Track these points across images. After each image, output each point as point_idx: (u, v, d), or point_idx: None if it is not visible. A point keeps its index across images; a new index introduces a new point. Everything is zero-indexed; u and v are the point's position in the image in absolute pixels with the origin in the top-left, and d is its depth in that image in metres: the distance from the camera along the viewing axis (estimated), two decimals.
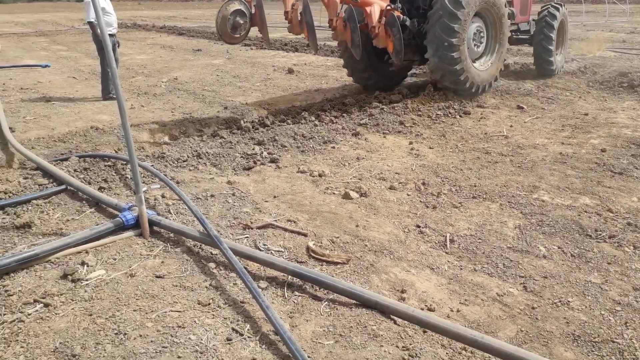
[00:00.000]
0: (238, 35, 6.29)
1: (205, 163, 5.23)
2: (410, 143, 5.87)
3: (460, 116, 7.02)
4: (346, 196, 4.25)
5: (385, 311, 2.61)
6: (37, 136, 6.36)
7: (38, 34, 21.81)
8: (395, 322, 2.61)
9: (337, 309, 2.67)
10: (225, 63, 12.96)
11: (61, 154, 5.71)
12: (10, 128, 6.43)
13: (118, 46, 8.90)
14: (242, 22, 6.12)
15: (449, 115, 7.04)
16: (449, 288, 3.01)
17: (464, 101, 7.65)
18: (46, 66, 12.25)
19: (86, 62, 13.20)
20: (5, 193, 4.22)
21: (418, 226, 3.77)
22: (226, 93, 9.38)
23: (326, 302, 2.74)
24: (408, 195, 4.34)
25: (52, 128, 6.76)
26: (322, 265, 3.18)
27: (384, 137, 6.13)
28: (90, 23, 8.40)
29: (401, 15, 7.27)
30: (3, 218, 3.80)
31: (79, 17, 32.83)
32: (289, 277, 2.96)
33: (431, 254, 3.39)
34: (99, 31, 8.28)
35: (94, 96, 8.89)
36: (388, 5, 7.06)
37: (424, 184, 4.57)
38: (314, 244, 3.42)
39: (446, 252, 3.44)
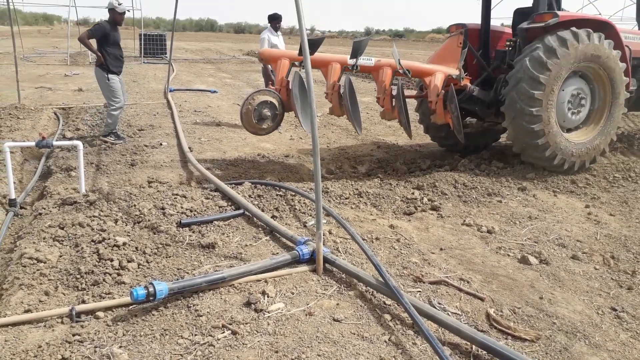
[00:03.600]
0: (266, 127, 5.89)
1: (365, 202, 5.23)
2: (587, 207, 5.32)
3: None
4: (524, 260, 3.92)
5: None
6: (212, 157, 6.93)
7: (205, 61, 24.28)
8: None
9: None
10: (374, 101, 13.16)
11: (233, 177, 6.14)
12: (189, 148, 7.11)
13: None
14: (270, 114, 5.72)
15: (629, 179, 6.29)
16: None
17: None
18: (214, 92, 13.52)
19: (247, 91, 14.30)
20: (191, 211, 4.59)
21: (614, 309, 3.32)
22: (377, 131, 9.48)
23: None
24: (596, 269, 3.88)
25: (223, 151, 7.32)
26: (506, 338, 2.92)
27: (555, 196, 5.65)
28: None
29: (469, 84, 6.38)
30: (190, 235, 4.11)
31: (239, 48, 36.07)
32: (474, 347, 2.74)
33: (635, 347, 2.94)
34: (269, 67, 8.95)
35: None
36: (449, 75, 6.15)
37: (613, 257, 4.06)
38: (494, 312, 3.16)
39: None
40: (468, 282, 3.57)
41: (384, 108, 6.21)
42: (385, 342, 2.81)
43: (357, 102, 6.11)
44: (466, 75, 6.45)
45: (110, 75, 7.30)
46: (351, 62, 5.96)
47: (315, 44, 5.72)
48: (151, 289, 2.98)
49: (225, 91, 14.00)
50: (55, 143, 5.24)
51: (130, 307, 3.10)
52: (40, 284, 3.33)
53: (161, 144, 7.54)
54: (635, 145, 7.91)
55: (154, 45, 22.59)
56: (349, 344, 2.75)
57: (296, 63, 6.07)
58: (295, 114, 5.94)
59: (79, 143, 5.24)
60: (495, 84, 6.90)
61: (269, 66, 8.92)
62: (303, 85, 5.84)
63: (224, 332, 2.84)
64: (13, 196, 4.97)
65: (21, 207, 5.14)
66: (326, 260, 3.61)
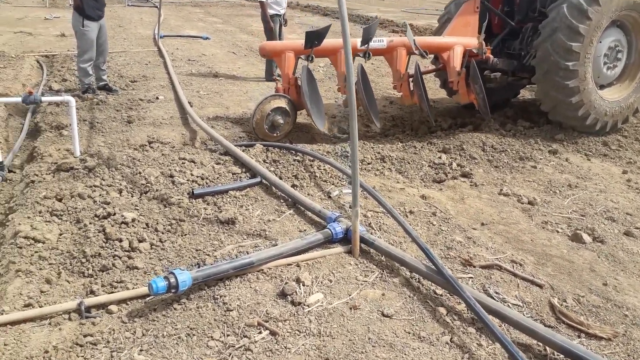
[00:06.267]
0: (278, 133, 5.43)
1: (390, 168, 4.81)
2: (624, 172, 4.95)
3: None
4: (576, 238, 3.57)
5: None
6: (214, 114, 6.38)
7: (193, 4, 22.93)
8: None
9: None
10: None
11: (240, 137, 5.63)
12: (189, 103, 6.53)
13: (285, 25, 8.79)
14: (282, 122, 5.26)
15: None
16: None
17: None
18: (207, 38, 12.70)
19: (242, 37, 13.47)
20: (202, 179, 4.12)
21: None
22: (386, 84, 8.89)
23: None
24: None
25: (226, 107, 6.76)
26: (579, 336, 2.59)
27: (588, 159, 5.27)
28: (261, 2, 8.35)
29: (490, 57, 5.76)
30: (205, 208, 3.67)
31: None
32: (549, 350, 2.41)
33: None
34: (269, 12, 8.25)
35: (256, 75, 8.89)
36: (469, 49, 5.55)
37: None
38: (558, 302, 2.82)
39: None
40: (521, 264, 3.21)
41: (402, 94, 5.75)
42: (447, 343, 2.45)
43: (371, 89, 5.65)
44: (488, 46, 5.91)
45: (86, 22, 6.32)
46: (362, 47, 5.44)
47: (321, 34, 5.28)
48: (172, 280, 2.56)
49: (218, 37, 13.14)
50: (44, 99, 4.66)
51: (147, 298, 2.70)
52: (40, 269, 2.89)
53: (157, 98, 6.94)
54: None
55: None
56: (407, 348, 2.39)
57: (302, 56, 5.54)
58: (307, 113, 5.43)
59: (71, 99, 4.67)
60: (521, 35, 6.35)
61: (268, 12, 8.25)
62: (312, 79, 5.42)
63: (260, 332, 2.45)
64: (0, 159, 4.45)
65: (9, 171, 4.63)
66: (363, 240, 3.21)
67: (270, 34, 8.42)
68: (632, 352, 2.50)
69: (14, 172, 4.65)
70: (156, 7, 18.50)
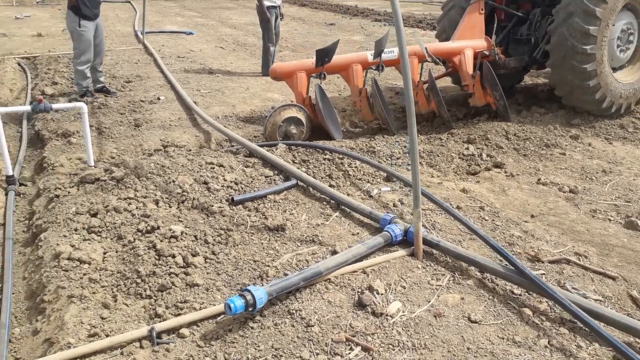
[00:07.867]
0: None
1: (420, 162, 4.69)
2: None
3: None
4: (631, 226, 3.52)
5: None
6: (222, 113, 6.15)
7: None
8: None
9: None
10: (366, 40, 12.31)
11: (255, 137, 5.44)
12: (194, 102, 6.27)
13: (281, 19, 8.57)
14: (295, 131, 5.08)
15: None
16: None
17: None
18: (190, 33, 12.34)
19: (225, 31, 13.13)
20: (237, 184, 3.92)
21: None
22: (388, 75, 8.75)
23: None
24: None
25: (232, 105, 6.53)
26: None
27: (610, 143, 5.27)
28: None
29: (502, 57, 5.84)
30: (249, 215, 3.48)
31: None
32: None
33: None
34: (265, 3, 8.00)
35: (250, 70, 8.65)
36: (481, 51, 5.68)
37: None
38: (638, 294, 2.76)
39: None
40: (586, 257, 3.14)
41: (419, 102, 5.64)
42: (546, 347, 2.36)
43: (385, 99, 5.56)
44: (499, 46, 5.96)
45: (83, 22, 5.97)
46: (375, 60, 5.40)
47: (330, 51, 5.17)
48: (249, 298, 2.39)
49: (202, 32, 12.78)
50: (55, 106, 4.35)
51: (218, 318, 2.52)
52: (93, 293, 2.68)
53: (159, 99, 6.65)
54: None
55: None
56: (509, 355, 2.28)
57: (314, 75, 5.41)
58: (325, 129, 5.26)
59: (83, 105, 4.38)
60: (529, 21, 6.31)
61: (264, 3, 8.00)
62: (324, 95, 5.30)
63: (352, 349, 2.31)
64: (11, 172, 4.16)
65: (20, 184, 4.33)
66: (426, 242, 3.09)
67: (266, 26, 8.17)
68: None
69: (25, 186, 4.36)
70: (129, 1, 17.92)
